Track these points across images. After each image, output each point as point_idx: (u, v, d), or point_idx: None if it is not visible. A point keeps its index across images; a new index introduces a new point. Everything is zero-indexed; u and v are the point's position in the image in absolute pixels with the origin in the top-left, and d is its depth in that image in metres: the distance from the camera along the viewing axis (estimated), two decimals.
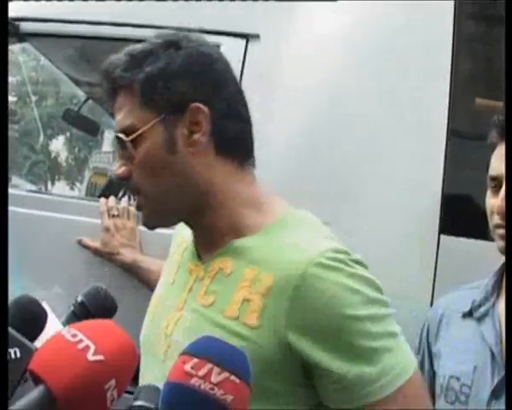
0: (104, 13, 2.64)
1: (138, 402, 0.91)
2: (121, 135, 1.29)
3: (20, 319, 1.02)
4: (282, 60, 2.46)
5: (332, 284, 1.20)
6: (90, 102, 3.82)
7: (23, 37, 2.77)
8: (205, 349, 0.88)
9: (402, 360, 1.24)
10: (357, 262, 1.26)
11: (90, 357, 0.85)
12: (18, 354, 0.97)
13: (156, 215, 1.33)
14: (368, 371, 1.20)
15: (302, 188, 2.30)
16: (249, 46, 2.48)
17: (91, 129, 3.95)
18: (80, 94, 4.12)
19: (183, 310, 1.33)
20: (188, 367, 0.86)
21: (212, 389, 0.84)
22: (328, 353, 1.20)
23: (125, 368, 0.88)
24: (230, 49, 2.47)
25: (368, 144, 2.35)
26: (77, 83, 3.75)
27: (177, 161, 1.28)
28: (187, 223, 1.37)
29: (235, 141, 1.32)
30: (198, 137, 1.28)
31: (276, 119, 2.41)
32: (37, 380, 0.84)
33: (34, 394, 0.83)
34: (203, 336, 0.92)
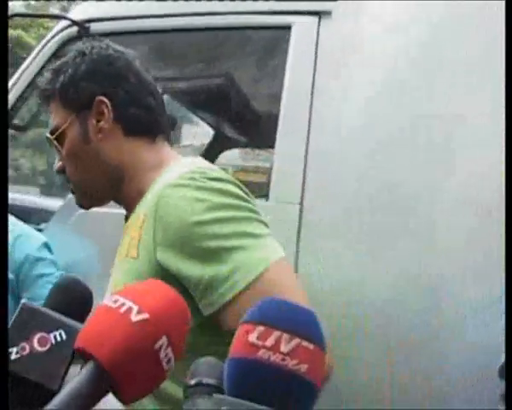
0: (176, 4, 2.62)
1: (197, 379, 0.81)
2: (48, 135, 1.55)
3: (63, 301, 0.97)
4: (353, 39, 2.39)
5: (179, 199, 1.33)
6: (166, 97, 3.81)
7: (93, 38, 2.77)
8: (269, 314, 0.79)
9: (255, 256, 1.29)
10: (215, 179, 1.37)
11: (134, 318, 0.78)
12: (63, 336, 0.93)
13: (85, 197, 1.58)
14: (220, 270, 1.28)
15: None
16: (321, 24, 2.42)
17: None
18: None
19: (113, 273, 1.52)
20: (252, 338, 0.76)
21: (284, 359, 0.74)
22: (186, 260, 1.30)
23: (175, 323, 0.81)
24: (303, 28, 2.42)
25: (440, 134, 2.26)
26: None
27: (91, 148, 1.52)
28: (114, 200, 1.59)
29: (140, 123, 1.53)
30: (103, 125, 1.51)
31: (349, 97, 2.34)
32: (86, 356, 0.79)
33: (84, 371, 0.78)
34: (266, 298, 0.82)
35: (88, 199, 1.58)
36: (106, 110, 1.51)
